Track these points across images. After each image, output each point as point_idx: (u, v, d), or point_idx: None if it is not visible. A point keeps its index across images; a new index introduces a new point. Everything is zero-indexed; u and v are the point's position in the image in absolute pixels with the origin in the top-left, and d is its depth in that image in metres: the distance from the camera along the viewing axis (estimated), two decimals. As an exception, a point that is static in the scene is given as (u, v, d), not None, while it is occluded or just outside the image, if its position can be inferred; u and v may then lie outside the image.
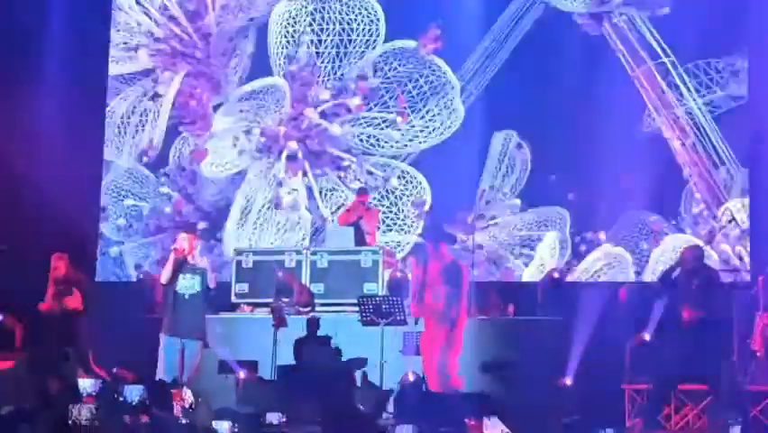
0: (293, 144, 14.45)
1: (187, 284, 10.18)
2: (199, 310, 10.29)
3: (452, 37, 13.94)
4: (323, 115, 14.40)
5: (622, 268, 13.19)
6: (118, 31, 14.96)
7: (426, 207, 13.82)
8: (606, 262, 13.35)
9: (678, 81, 13.22)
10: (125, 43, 15.02)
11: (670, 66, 13.24)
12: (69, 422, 7.74)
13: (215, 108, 14.74)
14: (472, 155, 13.81)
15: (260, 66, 14.65)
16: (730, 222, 12.70)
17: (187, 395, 8.54)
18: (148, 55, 14.97)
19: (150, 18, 15.00)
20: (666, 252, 12.96)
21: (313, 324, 11.25)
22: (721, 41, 12.99)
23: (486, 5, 13.83)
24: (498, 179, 13.85)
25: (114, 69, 14.90)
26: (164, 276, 10.24)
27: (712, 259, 12.29)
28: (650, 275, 12.81)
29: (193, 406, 8.44)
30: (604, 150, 12.89)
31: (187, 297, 10.19)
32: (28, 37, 13.91)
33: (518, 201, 13.78)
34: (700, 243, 12.17)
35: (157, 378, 9.85)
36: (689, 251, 10.47)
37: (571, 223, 13.43)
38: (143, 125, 14.89)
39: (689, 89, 13.18)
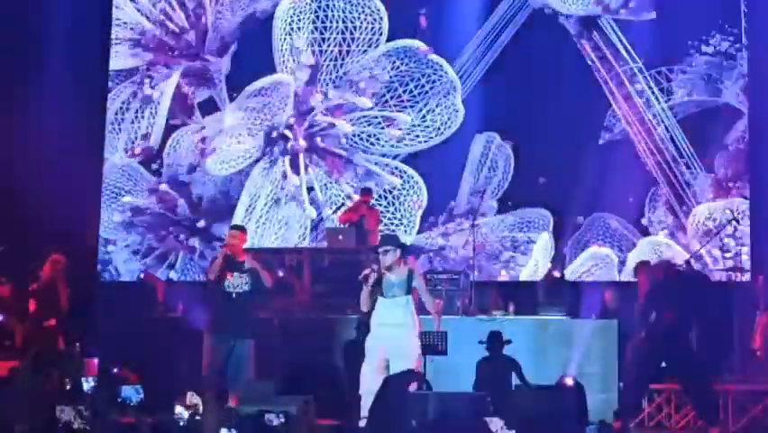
0: (297, 142, 14.45)
1: (235, 282, 9.87)
2: (249, 309, 9.98)
3: (442, 39, 14.01)
4: (329, 112, 14.40)
5: (608, 269, 13.18)
6: (117, 26, 14.97)
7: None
8: (594, 263, 13.35)
9: (644, 86, 13.33)
10: (122, 39, 15.03)
11: (636, 71, 13.36)
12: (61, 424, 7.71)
13: (202, 105, 14.72)
14: (457, 156, 13.89)
15: (264, 63, 14.63)
16: (730, 222, 12.73)
17: (193, 399, 8.45)
18: (144, 51, 14.98)
19: (148, 15, 15.01)
20: (642, 254, 13.07)
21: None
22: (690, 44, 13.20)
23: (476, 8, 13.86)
24: (481, 181, 13.86)
25: (110, 64, 14.92)
26: (212, 273, 9.87)
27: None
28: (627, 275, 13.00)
29: (198, 411, 8.36)
30: (576, 153, 13.17)
31: (234, 295, 9.89)
32: (27, 36, 13.89)
33: (496, 204, 13.86)
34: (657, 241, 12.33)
35: (203, 376, 9.60)
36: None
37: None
38: (139, 122, 14.90)
39: (654, 94, 13.31)
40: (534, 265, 13.64)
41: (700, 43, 13.25)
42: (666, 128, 13.27)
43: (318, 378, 10.48)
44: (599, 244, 13.44)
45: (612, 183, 13.07)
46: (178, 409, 8.17)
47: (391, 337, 8.71)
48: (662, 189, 13.24)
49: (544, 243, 13.42)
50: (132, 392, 8.52)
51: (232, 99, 14.69)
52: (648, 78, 13.38)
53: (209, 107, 14.82)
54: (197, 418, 8.25)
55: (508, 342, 10.33)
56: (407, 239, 13.75)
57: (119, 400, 8.51)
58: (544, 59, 13.53)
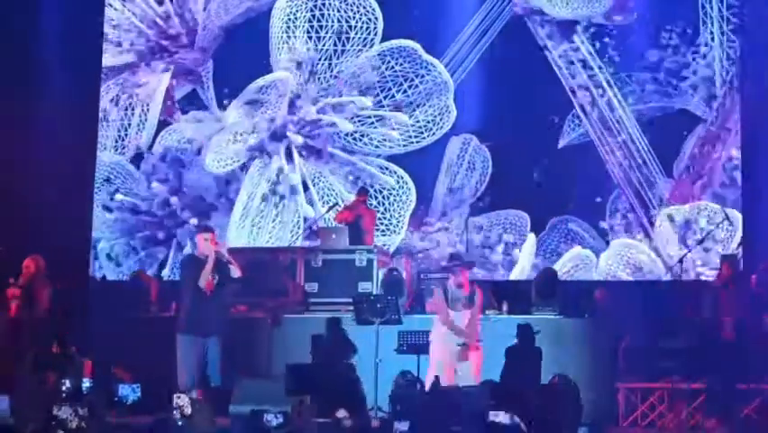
0: (293, 140, 14.46)
1: (210, 283, 9.88)
2: (221, 306, 10.09)
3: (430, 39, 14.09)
4: (327, 110, 14.41)
5: (588, 269, 13.25)
6: (109, 25, 14.96)
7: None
8: (574, 264, 13.42)
9: (608, 90, 13.49)
10: (114, 37, 15.02)
11: (602, 77, 13.47)
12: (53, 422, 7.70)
13: (192, 103, 14.76)
14: (436, 158, 13.99)
15: (254, 62, 14.63)
16: (719, 225, 12.83)
17: (185, 400, 8.43)
18: (135, 50, 14.97)
19: (140, 14, 15.00)
20: (611, 256, 13.18)
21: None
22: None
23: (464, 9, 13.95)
24: (458, 182, 13.90)
25: (102, 61, 14.91)
26: (203, 280, 9.84)
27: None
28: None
29: (188, 408, 8.35)
30: (541, 157, 13.41)
31: (208, 293, 9.90)
32: (22, 35, 13.86)
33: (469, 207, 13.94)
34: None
35: (179, 381, 9.59)
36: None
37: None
38: (129, 119, 14.89)
39: (618, 99, 13.42)
40: (522, 267, 13.70)
41: (665, 51, 13.36)
42: (629, 133, 13.36)
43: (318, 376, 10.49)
44: (565, 249, 13.53)
45: (575, 186, 13.28)
46: (176, 406, 8.15)
47: None
48: (625, 193, 13.32)
49: (530, 244, 13.45)
50: (128, 391, 8.50)
51: (221, 98, 14.67)
52: (612, 82, 13.45)
53: (199, 105, 14.82)
54: (188, 417, 8.25)
55: (538, 332, 10.39)
56: (396, 239, 13.79)
57: (115, 399, 8.48)
58: (518, 63, 13.66)
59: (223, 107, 14.72)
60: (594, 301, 11.64)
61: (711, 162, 13.15)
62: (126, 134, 14.89)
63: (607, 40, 13.58)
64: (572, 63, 13.63)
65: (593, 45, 13.59)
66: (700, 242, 12.73)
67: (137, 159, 14.84)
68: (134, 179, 14.79)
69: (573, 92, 13.58)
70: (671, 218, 13.19)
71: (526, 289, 12.19)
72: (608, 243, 13.37)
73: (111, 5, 15.00)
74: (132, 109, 14.92)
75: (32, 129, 13.65)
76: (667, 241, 13.12)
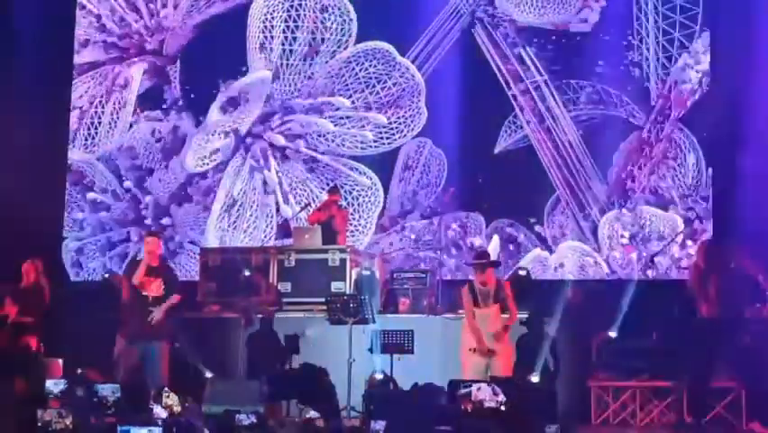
0: (268, 140, 14.44)
1: (151, 287, 10.34)
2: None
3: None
4: (303, 111, 14.39)
5: (545, 269, 13.36)
6: (81, 23, 14.90)
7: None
8: (532, 266, 13.49)
9: (549, 96, 13.59)
10: (86, 35, 14.95)
11: (542, 84, 13.62)
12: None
13: (163, 102, 14.68)
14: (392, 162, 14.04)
15: (224, 63, 14.61)
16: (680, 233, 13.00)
17: (172, 397, 8.47)
18: (106, 48, 14.91)
19: (110, 13, 14.94)
20: (561, 258, 13.33)
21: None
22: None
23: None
24: (412, 185, 13.95)
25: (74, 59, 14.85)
26: (136, 279, 10.34)
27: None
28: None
29: (177, 406, 8.38)
30: (484, 161, 13.56)
31: (150, 300, 10.32)
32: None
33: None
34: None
35: (121, 379, 9.79)
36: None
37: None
38: (99, 118, 14.82)
39: (558, 104, 13.54)
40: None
41: (607, 58, 13.48)
42: (569, 139, 13.49)
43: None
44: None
45: (515, 190, 13.42)
46: (157, 409, 8.16)
47: None
48: (564, 197, 13.43)
49: (495, 245, 13.52)
50: (108, 391, 8.51)
51: (190, 98, 14.62)
52: (553, 89, 13.58)
53: (171, 105, 14.76)
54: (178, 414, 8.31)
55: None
56: (364, 240, 13.81)
57: (95, 399, 8.48)
58: (469, 68, 13.72)
59: (193, 107, 14.67)
60: (567, 300, 11.70)
61: (648, 167, 13.30)
62: (96, 132, 14.82)
63: (551, 47, 13.66)
64: (516, 68, 13.72)
65: (538, 51, 13.68)
66: (667, 244, 12.83)
67: (108, 157, 14.75)
68: (105, 177, 14.72)
69: (515, 97, 13.69)
70: (610, 222, 13.31)
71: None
72: (547, 247, 13.43)
73: (82, 4, 14.93)
74: (103, 107, 14.85)
75: (1, 126, 13.56)
76: (609, 244, 13.23)
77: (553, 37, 13.66)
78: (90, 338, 11.25)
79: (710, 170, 12.98)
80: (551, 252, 13.40)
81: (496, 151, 13.66)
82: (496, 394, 8.34)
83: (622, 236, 13.20)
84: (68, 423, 7.58)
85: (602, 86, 13.41)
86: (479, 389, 8.44)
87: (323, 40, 14.37)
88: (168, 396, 8.46)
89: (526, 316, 10.73)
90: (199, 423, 8.04)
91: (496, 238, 13.54)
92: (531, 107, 13.65)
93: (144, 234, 12.11)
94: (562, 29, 13.65)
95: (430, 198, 13.90)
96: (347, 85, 14.27)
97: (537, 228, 13.47)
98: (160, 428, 7.34)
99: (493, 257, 12.75)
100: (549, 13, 13.72)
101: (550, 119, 13.58)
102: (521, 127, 13.67)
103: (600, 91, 13.45)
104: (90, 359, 10.87)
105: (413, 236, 13.81)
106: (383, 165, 14.09)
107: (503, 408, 8.30)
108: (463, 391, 8.54)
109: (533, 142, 13.60)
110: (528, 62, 13.72)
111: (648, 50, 13.35)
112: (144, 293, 10.33)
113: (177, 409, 8.35)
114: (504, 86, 13.72)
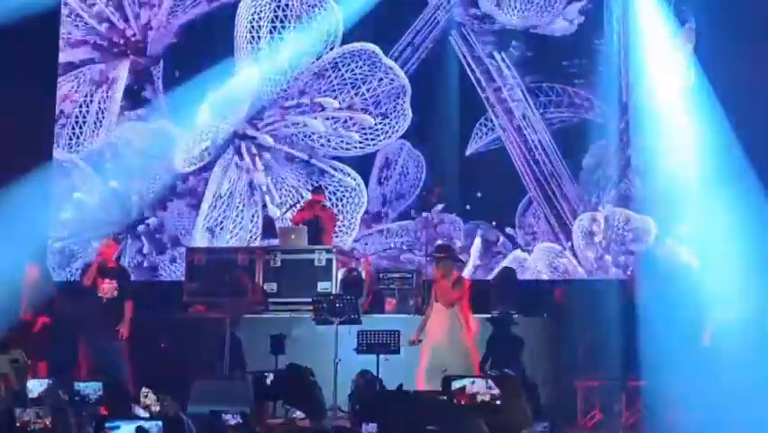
0: (255, 140, 14.42)
1: (105, 288, 10.81)
2: (119, 313, 10.79)
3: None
4: (292, 111, 14.38)
5: (525, 269, 13.40)
6: (65, 22, 14.86)
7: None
8: (514, 266, 13.55)
9: (522, 99, 13.71)
10: (70, 35, 14.91)
11: (516, 86, 13.71)
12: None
13: (147, 103, 14.67)
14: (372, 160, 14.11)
15: (222, 61, 14.58)
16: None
17: (150, 397, 8.48)
18: (91, 48, 14.87)
19: (95, 12, 14.90)
20: (537, 260, 13.41)
21: None
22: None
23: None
24: (390, 187, 13.96)
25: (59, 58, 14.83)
26: (88, 279, 10.85)
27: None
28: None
29: (155, 405, 8.38)
30: (458, 162, 13.72)
31: (105, 300, 10.81)
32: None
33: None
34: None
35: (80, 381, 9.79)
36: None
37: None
38: (84, 117, 14.77)
39: (530, 108, 13.65)
40: (473, 267, 13.78)
41: (580, 61, 13.57)
42: (540, 140, 13.54)
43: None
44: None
45: (488, 191, 13.52)
46: (137, 408, 8.15)
47: None
48: (536, 199, 13.48)
49: (477, 246, 13.54)
50: (90, 390, 8.50)
51: (176, 98, 14.56)
52: (526, 91, 13.63)
53: (156, 104, 14.73)
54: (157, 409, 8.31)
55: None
56: (347, 240, 13.81)
57: (77, 398, 8.47)
58: (445, 70, 13.83)
59: (179, 107, 14.63)
60: (553, 300, 11.73)
61: (618, 170, 13.37)
62: (81, 132, 14.77)
63: (526, 49, 13.74)
64: (489, 70, 13.76)
65: (513, 54, 13.72)
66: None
67: (93, 156, 14.69)
68: (90, 177, 14.66)
69: (488, 99, 13.71)
70: (581, 223, 13.36)
71: (485, 288, 12.25)
72: (518, 248, 13.46)
73: (66, 3, 14.88)
74: (88, 107, 14.80)
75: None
76: (581, 245, 13.29)
77: (530, 40, 13.74)
78: (73, 339, 11.24)
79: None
80: (529, 253, 13.43)
81: (468, 153, 13.68)
82: (490, 388, 8.31)
83: (595, 236, 13.26)
84: (47, 423, 7.54)
85: (574, 89, 13.45)
86: (473, 382, 8.41)
87: (309, 39, 14.35)
88: (146, 396, 8.47)
89: (497, 314, 10.70)
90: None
91: (478, 240, 13.55)
92: (504, 108, 13.69)
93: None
94: (541, 32, 13.69)
95: (409, 199, 13.91)
96: (333, 86, 14.26)
97: (508, 230, 13.53)
98: (156, 423, 7.29)
99: (473, 258, 12.86)
100: (532, 15, 13.75)
101: (521, 121, 13.64)
102: (493, 129, 13.72)
103: (572, 94, 13.51)
104: (73, 360, 10.90)
105: (398, 238, 13.82)
106: (365, 166, 14.08)
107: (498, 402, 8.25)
108: (457, 385, 8.50)
109: (505, 144, 13.63)
110: (501, 64, 13.75)
111: (619, 53, 13.41)
112: (99, 294, 10.77)
113: (155, 408, 8.34)
114: (477, 88, 13.77)
